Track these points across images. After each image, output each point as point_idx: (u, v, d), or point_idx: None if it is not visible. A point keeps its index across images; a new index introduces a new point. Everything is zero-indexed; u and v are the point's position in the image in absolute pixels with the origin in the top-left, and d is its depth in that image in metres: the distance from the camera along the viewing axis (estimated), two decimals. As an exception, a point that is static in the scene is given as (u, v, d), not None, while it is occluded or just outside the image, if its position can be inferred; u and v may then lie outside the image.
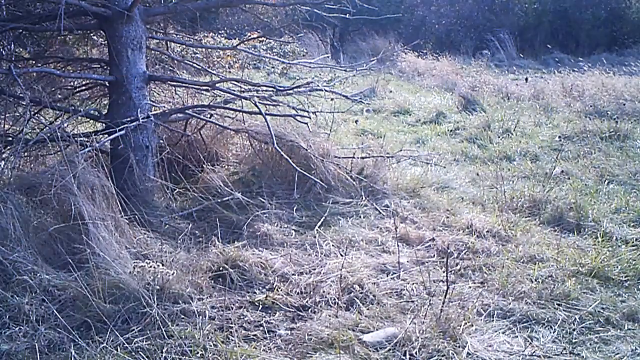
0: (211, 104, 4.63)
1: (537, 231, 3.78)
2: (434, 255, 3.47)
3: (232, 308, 2.85)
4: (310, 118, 4.64)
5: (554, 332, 2.65)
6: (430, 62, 12.30)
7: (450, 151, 5.93)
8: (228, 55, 7.49)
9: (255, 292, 3.01)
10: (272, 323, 2.75)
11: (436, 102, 8.63)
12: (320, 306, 2.85)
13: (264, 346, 2.55)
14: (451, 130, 6.91)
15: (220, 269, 3.11)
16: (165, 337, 2.53)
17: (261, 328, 2.70)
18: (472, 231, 3.73)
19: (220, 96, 4.79)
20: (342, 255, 3.34)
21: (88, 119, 4.69)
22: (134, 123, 3.84)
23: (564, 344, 2.57)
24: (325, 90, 4.97)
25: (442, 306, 2.68)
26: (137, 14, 3.98)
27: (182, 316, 2.72)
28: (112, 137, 3.85)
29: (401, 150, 5.22)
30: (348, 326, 2.65)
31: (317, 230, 3.72)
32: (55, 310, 2.66)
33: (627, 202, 4.25)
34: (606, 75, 9.06)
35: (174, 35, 5.39)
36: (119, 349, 2.45)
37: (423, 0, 16.69)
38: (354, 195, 4.27)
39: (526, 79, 9.13)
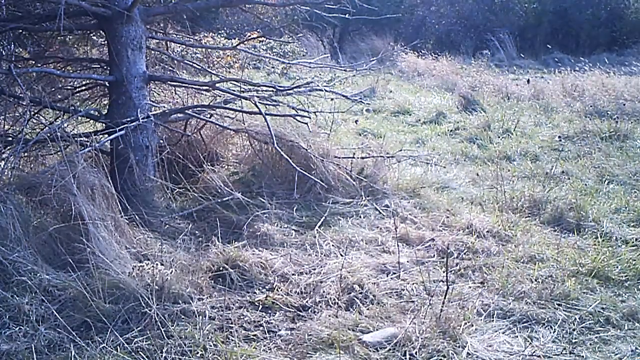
0: (211, 104, 4.63)
1: (537, 231, 3.78)
2: (434, 255, 3.47)
3: (232, 308, 2.85)
4: (310, 118, 4.64)
5: (554, 332, 2.65)
6: (430, 62, 12.30)
7: (450, 151, 5.93)
8: (228, 55, 7.48)
9: (255, 292, 3.01)
10: (272, 323, 2.75)
11: (436, 102, 8.63)
12: (320, 306, 2.85)
13: (264, 346, 2.55)
14: (451, 130, 6.91)
15: (220, 269, 3.11)
16: (165, 337, 2.53)
17: (261, 328, 2.70)
18: (472, 231, 3.73)
19: (220, 96, 4.79)
20: (342, 255, 3.34)
21: (88, 119, 4.68)
22: (134, 123, 3.84)
23: (564, 344, 2.57)
24: (325, 90, 4.97)
25: (442, 306, 2.68)
26: (137, 14, 3.98)
27: (182, 316, 2.72)
28: (112, 137, 3.85)
29: (401, 150, 5.22)
30: (348, 326, 2.65)
31: (317, 230, 3.71)
32: (55, 310, 2.67)
33: (627, 202, 4.25)
34: (606, 75, 9.06)
35: (174, 35, 5.38)
36: (119, 349, 2.45)
37: (423, 0, 16.69)
38: (354, 195, 4.27)
39: (528, 81, 9.12)
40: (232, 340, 2.56)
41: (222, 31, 11.58)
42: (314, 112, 4.86)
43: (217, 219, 3.68)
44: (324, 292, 2.95)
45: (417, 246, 3.58)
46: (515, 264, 3.30)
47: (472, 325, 2.67)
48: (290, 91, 4.80)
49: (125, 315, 2.65)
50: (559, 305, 2.87)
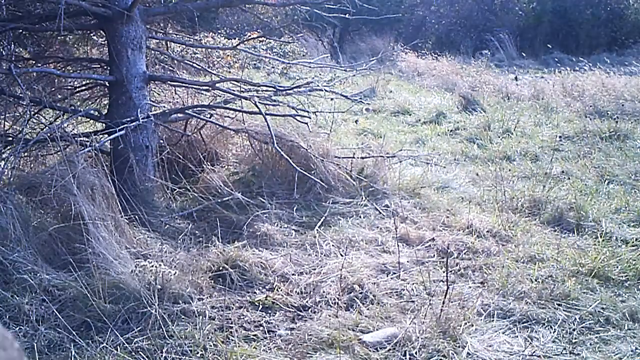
0: (211, 104, 4.63)
1: (537, 231, 3.78)
2: (434, 255, 3.47)
3: (232, 308, 2.85)
4: (310, 118, 4.64)
5: (554, 332, 2.65)
6: (430, 62, 12.29)
7: (450, 151, 5.93)
8: (228, 55, 7.49)
9: (255, 292, 3.01)
10: (272, 323, 2.75)
11: (436, 102, 8.63)
12: (320, 306, 2.85)
13: (264, 346, 2.55)
14: (451, 130, 6.91)
15: (220, 269, 3.11)
16: (166, 337, 2.53)
17: (261, 328, 2.70)
18: (472, 231, 3.73)
19: (220, 96, 4.79)
20: (342, 255, 3.34)
21: (88, 119, 4.69)
22: (134, 123, 3.84)
23: (564, 344, 2.57)
24: (325, 90, 4.97)
25: (442, 306, 2.68)
26: (137, 14, 3.98)
27: (182, 316, 2.72)
28: (112, 137, 3.85)
29: (401, 150, 5.22)
30: (348, 326, 2.65)
31: (317, 230, 3.71)
32: (55, 310, 2.66)
33: (627, 202, 4.25)
34: (606, 75, 9.06)
35: (174, 35, 5.39)
36: (119, 349, 2.46)
37: (423, 0, 16.70)
38: (354, 195, 4.27)
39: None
40: (232, 340, 2.56)
41: (222, 31, 11.60)
42: (314, 112, 4.86)
43: (217, 219, 3.68)
44: (324, 292, 2.96)
45: (417, 246, 3.58)
46: (515, 264, 3.30)
47: (472, 325, 2.67)
48: (290, 91, 4.80)
49: (126, 315, 2.65)
50: (559, 305, 2.87)
